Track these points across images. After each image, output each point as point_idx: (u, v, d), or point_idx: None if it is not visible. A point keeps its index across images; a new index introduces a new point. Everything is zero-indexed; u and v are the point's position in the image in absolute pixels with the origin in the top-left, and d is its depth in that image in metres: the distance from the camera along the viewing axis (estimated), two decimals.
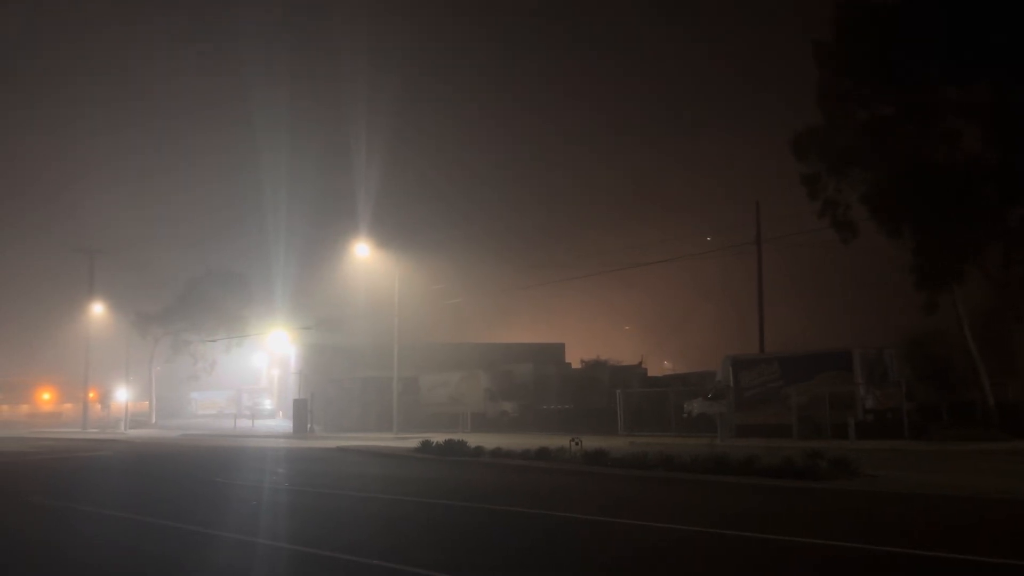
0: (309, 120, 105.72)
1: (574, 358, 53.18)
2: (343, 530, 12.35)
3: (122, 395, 62.97)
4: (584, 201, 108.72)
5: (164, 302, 65.21)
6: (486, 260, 71.26)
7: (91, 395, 65.80)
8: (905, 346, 30.25)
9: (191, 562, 10.26)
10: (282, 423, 62.17)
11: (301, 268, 61.02)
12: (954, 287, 28.20)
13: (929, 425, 27.35)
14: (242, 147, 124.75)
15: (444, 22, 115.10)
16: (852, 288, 56.64)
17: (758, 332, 38.98)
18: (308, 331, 57.11)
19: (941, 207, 26.72)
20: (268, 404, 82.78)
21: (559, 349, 59.01)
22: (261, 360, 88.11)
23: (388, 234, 57.60)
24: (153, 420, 65.19)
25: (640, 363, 46.38)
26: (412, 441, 29.76)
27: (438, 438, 26.85)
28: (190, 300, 63.23)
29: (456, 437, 26.77)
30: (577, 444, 21.46)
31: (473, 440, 26.36)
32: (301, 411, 45.82)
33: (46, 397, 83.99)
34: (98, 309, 65.64)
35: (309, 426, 45.51)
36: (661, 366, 63.80)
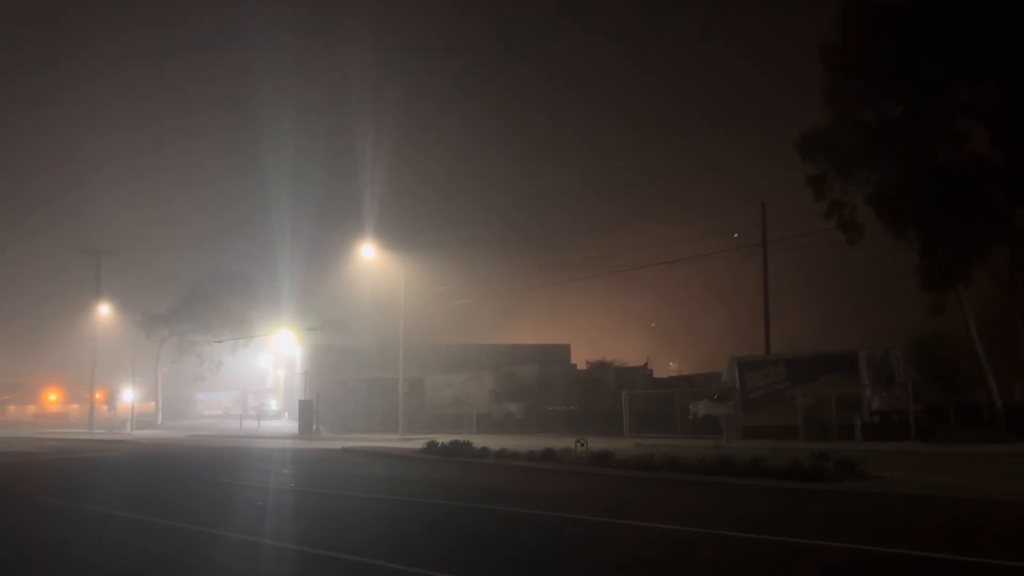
0: (315, 120, 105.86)
1: (579, 359, 53.23)
2: (349, 531, 12.36)
3: (128, 396, 63.11)
4: (590, 202, 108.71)
5: (170, 303, 65.45)
6: (492, 261, 71.27)
7: (97, 396, 65.94)
8: (912, 347, 30.19)
9: (197, 562, 10.27)
10: (288, 424, 62.24)
11: (307, 269, 61.20)
12: (961, 288, 28.13)
13: (936, 427, 27.27)
14: (248, 148, 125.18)
15: (451, 21, 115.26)
16: (858, 289, 56.53)
17: (764, 333, 38.94)
18: (314, 332, 57.18)
19: (948, 208, 26.66)
20: (274, 405, 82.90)
21: (564, 350, 59.02)
22: (267, 361, 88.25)
23: (394, 235, 57.63)
24: (159, 421, 65.34)
25: (646, 364, 46.35)
26: (418, 442, 29.77)
27: (443, 439, 26.85)
28: (196, 301, 63.40)
29: (461, 438, 26.77)
30: (582, 445, 21.44)
31: (478, 441, 26.36)
32: (307, 412, 45.86)
33: (52, 397, 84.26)
34: (104, 310, 65.79)
35: (315, 427, 45.55)
36: (667, 367, 63.71)
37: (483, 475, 20.75)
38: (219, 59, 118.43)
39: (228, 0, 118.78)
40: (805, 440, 27.02)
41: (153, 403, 68.02)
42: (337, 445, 33.99)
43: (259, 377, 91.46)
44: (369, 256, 43.23)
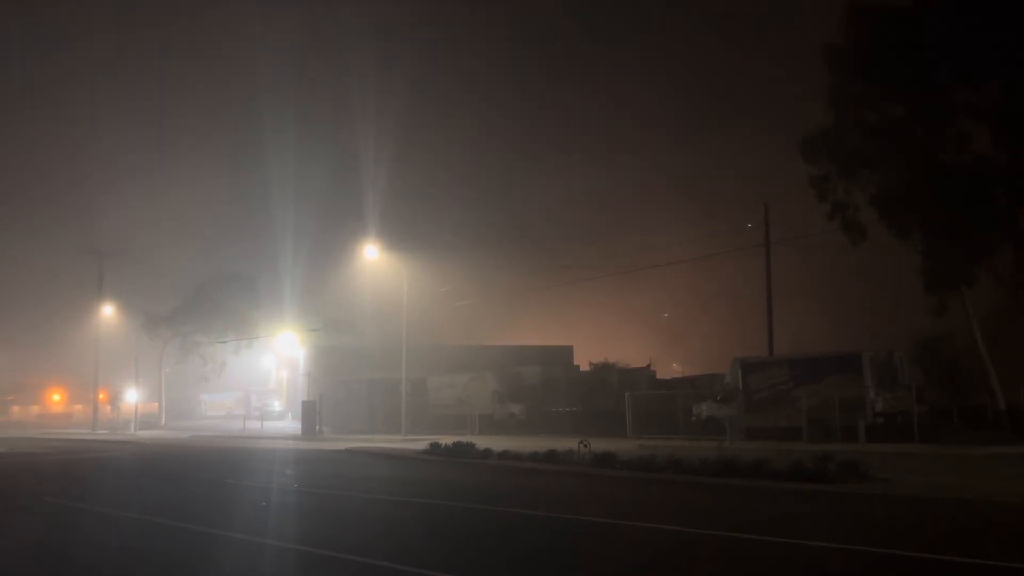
0: (318, 121, 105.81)
1: (582, 360, 53.17)
2: (351, 531, 12.37)
3: (132, 396, 63.24)
4: (593, 203, 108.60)
5: (173, 304, 65.62)
6: (495, 262, 71.27)
7: (101, 396, 66.10)
8: (915, 349, 30.14)
9: (200, 563, 10.29)
10: (291, 424, 62.30)
11: (310, 270, 61.22)
12: (964, 289, 28.11)
13: (939, 428, 27.24)
14: (251, 148, 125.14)
15: (455, 21, 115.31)
16: (862, 290, 56.45)
17: (767, 334, 38.89)
18: (317, 333, 57.25)
19: (951, 209, 26.65)
20: (277, 406, 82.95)
21: (567, 351, 58.97)
22: (270, 362, 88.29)
23: (397, 236, 57.56)
24: (163, 421, 65.46)
25: (648, 365, 46.27)
26: (420, 443, 29.79)
27: (446, 440, 26.86)
28: (199, 302, 63.55)
29: (464, 439, 26.78)
30: (585, 446, 21.44)
31: (481, 442, 26.37)
32: (310, 413, 45.92)
33: (56, 398, 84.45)
34: (108, 310, 65.93)
35: (318, 427, 45.60)
36: (670, 368, 63.61)
37: (486, 476, 20.75)
38: (222, 59, 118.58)
39: None
40: (808, 442, 26.98)
41: (157, 404, 68.16)
42: (340, 446, 34.01)
43: (262, 378, 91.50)
44: (372, 257, 43.27)
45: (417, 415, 45.23)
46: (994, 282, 28.74)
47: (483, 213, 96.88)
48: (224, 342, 63.05)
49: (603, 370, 43.35)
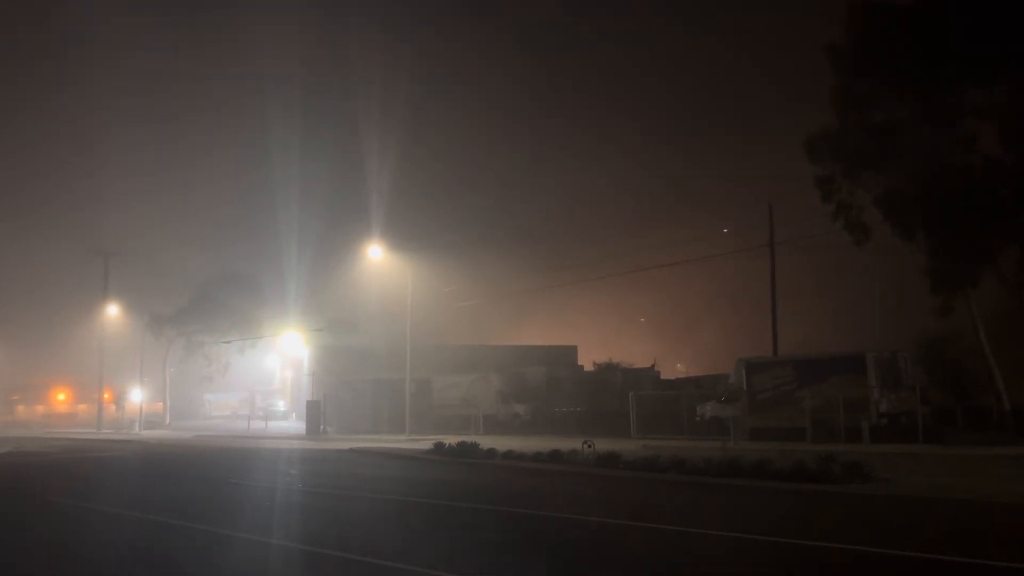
0: (323, 120, 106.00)
1: (587, 360, 53.13)
2: (356, 531, 12.41)
3: (136, 396, 63.38)
4: (597, 203, 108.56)
5: (178, 303, 65.72)
6: (500, 262, 71.17)
7: (106, 396, 66.26)
8: (919, 349, 30.07)
9: (204, 563, 10.33)
10: (295, 424, 62.38)
11: (314, 270, 61.16)
12: (969, 290, 28.04)
13: (944, 429, 27.18)
14: (255, 148, 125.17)
15: (460, 22, 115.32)
16: (866, 291, 56.34)
17: (771, 334, 38.85)
18: (321, 333, 57.30)
19: (956, 210, 26.58)
20: (281, 405, 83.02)
21: (571, 351, 58.93)
22: (274, 362, 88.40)
23: (402, 235, 57.59)
24: (167, 421, 65.57)
25: (653, 366, 46.28)
26: (425, 443, 29.83)
27: (451, 440, 26.91)
28: (203, 302, 63.64)
29: (468, 439, 26.82)
30: (589, 447, 21.46)
31: (485, 442, 26.39)
32: (314, 412, 46.01)
33: (61, 398, 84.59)
34: (112, 310, 66.11)
35: (322, 427, 45.69)
36: (674, 369, 63.59)
37: (490, 476, 20.78)
38: (227, 58, 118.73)
39: None
40: (812, 442, 26.93)
41: (161, 403, 68.28)
42: (344, 446, 34.06)
43: (266, 378, 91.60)
44: (376, 257, 43.33)
45: (421, 415, 45.28)
46: (999, 283, 28.67)
47: (488, 213, 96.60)
48: (228, 342, 63.16)
49: (607, 370, 43.34)
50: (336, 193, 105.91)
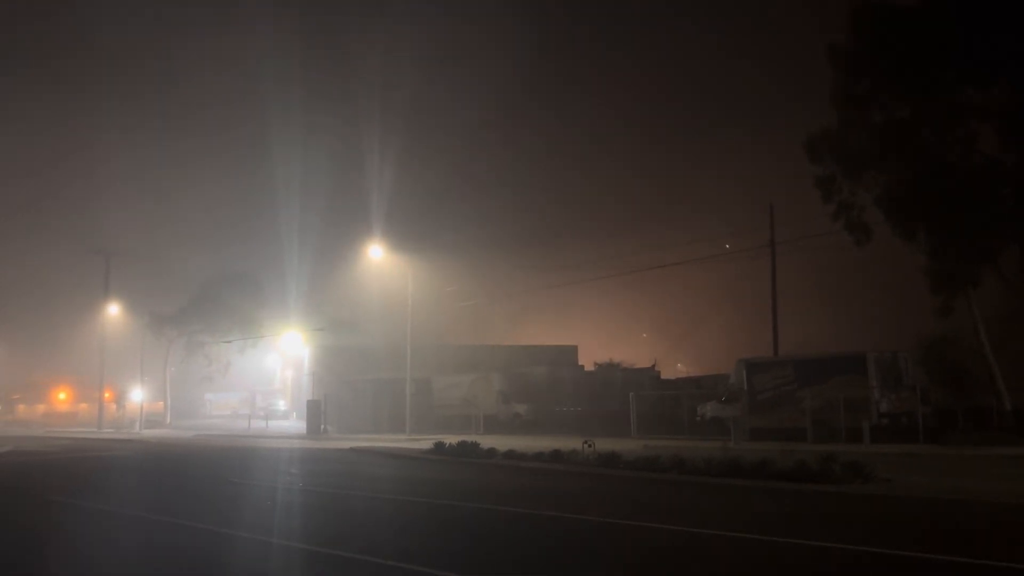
0: (323, 120, 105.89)
1: (587, 360, 53.20)
2: (357, 530, 12.41)
3: (137, 395, 63.41)
4: (599, 203, 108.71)
5: (179, 303, 65.76)
6: (501, 262, 71.22)
7: (106, 395, 66.29)
8: (920, 349, 30.08)
9: (205, 561, 10.33)
10: (295, 424, 62.41)
11: (315, 269, 61.17)
12: (969, 290, 28.04)
13: (944, 429, 27.19)
14: (256, 147, 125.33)
15: (460, 22, 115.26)
16: (867, 291, 56.35)
17: (772, 335, 38.86)
18: (322, 332, 57.33)
19: (957, 210, 26.59)
20: (282, 405, 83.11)
21: (572, 351, 58.98)
22: (275, 361, 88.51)
23: (402, 235, 57.57)
24: (167, 420, 65.60)
25: (653, 366, 46.36)
26: (425, 442, 29.83)
27: (451, 439, 26.91)
28: (204, 301, 63.67)
29: (469, 439, 26.82)
30: (590, 446, 21.46)
31: (486, 442, 26.39)
32: (314, 412, 46.04)
33: (62, 397, 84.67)
34: (113, 310, 66.13)
35: (322, 427, 45.71)
36: (674, 369, 63.64)
37: (491, 476, 20.78)
38: (228, 58, 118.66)
39: None
40: (813, 442, 26.94)
41: (161, 403, 68.32)
42: (345, 445, 34.07)
43: (267, 377, 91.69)
44: (377, 257, 43.33)
45: (422, 415, 45.30)
46: (1000, 283, 28.67)
47: (488, 213, 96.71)
48: (229, 341, 63.20)
49: (608, 370, 43.43)
50: (336, 193, 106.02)
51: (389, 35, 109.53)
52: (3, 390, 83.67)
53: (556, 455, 22.10)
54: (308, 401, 48.28)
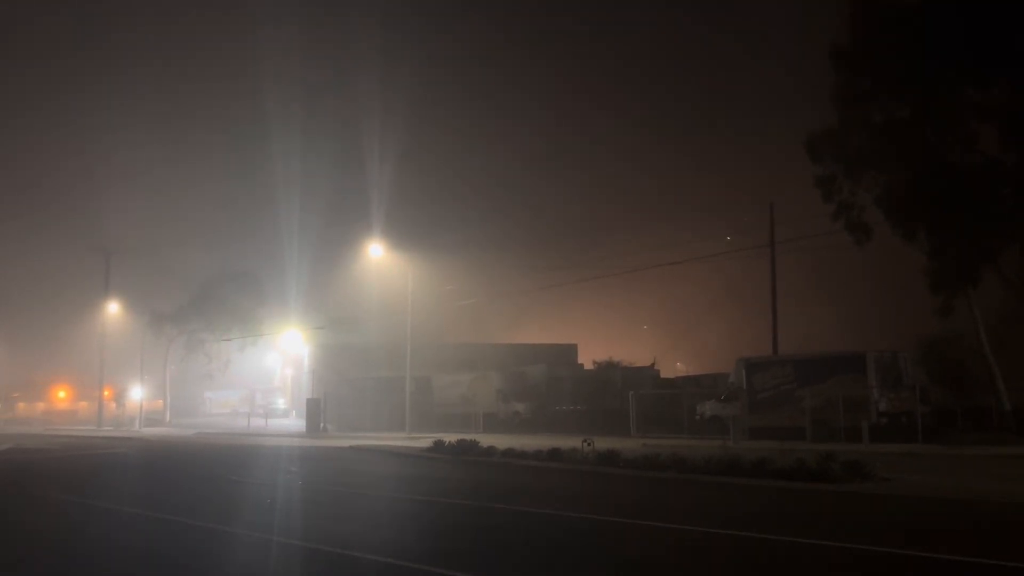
0: (323, 119, 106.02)
1: (587, 359, 53.18)
2: (356, 528, 12.42)
3: (137, 394, 63.39)
4: (599, 203, 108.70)
5: (179, 302, 65.71)
6: (501, 261, 71.32)
7: (106, 393, 66.26)
8: (920, 349, 30.11)
9: (205, 559, 10.34)
10: (295, 422, 62.43)
11: (315, 268, 61.17)
12: (969, 290, 28.05)
13: (944, 429, 27.21)
14: (256, 146, 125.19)
15: (460, 21, 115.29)
16: (867, 291, 56.43)
17: (772, 334, 38.85)
18: (321, 331, 57.31)
19: (957, 209, 26.59)
20: (281, 403, 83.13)
21: (572, 350, 59.00)
22: (275, 360, 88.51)
23: (402, 234, 57.73)
24: (167, 418, 65.58)
25: (653, 365, 46.29)
26: (424, 441, 29.85)
27: (450, 438, 26.93)
28: (204, 300, 63.65)
29: (468, 437, 26.83)
30: (589, 445, 21.47)
31: (485, 440, 26.41)
32: (314, 410, 46.05)
33: (62, 395, 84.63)
34: (113, 308, 66.09)
35: (322, 425, 45.72)
36: (674, 368, 63.68)
37: (490, 474, 20.79)
38: (228, 57, 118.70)
39: None
40: (812, 441, 26.96)
41: (161, 401, 68.29)
42: (344, 443, 34.08)
43: (267, 376, 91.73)
44: (377, 255, 43.30)
45: (422, 414, 45.32)
46: (1000, 283, 28.68)
47: (488, 212, 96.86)
48: (229, 340, 63.23)
49: (607, 369, 43.36)
50: (337, 192, 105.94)
51: (389, 35, 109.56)
52: (3, 388, 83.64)
53: (555, 453, 22.11)
54: (308, 399, 48.28)
